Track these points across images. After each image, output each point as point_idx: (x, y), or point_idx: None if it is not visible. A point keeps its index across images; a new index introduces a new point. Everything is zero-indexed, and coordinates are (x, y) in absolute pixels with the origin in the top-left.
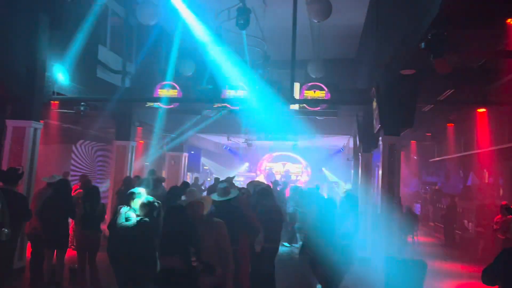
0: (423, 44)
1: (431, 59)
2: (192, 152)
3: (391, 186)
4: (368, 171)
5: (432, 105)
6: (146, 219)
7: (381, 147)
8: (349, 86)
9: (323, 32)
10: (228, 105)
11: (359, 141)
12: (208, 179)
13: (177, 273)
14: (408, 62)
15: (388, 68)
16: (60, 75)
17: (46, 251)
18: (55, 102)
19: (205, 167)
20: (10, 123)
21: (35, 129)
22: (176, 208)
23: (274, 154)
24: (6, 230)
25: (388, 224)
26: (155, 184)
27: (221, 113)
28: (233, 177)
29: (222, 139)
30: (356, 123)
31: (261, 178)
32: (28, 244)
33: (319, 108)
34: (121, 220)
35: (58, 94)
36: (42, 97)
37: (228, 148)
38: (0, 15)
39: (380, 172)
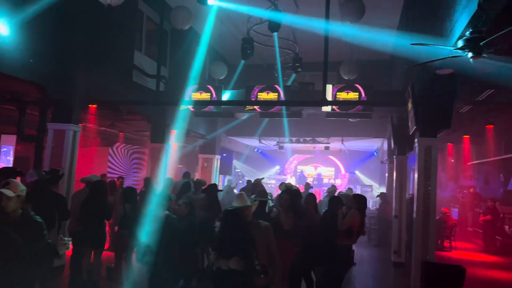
0: (460, 42)
1: (469, 58)
2: (224, 154)
3: (427, 190)
4: (403, 174)
5: (471, 106)
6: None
7: (416, 149)
8: (383, 87)
9: (357, 33)
10: (256, 108)
11: (394, 143)
12: (240, 181)
13: (234, 274)
14: (445, 61)
15: (424, 68)
16: None
17: (85, 250)
18: (93, 105)
19: (237, 170)
20: (51, 126)
21: (74, 132)
22: (232, 212)
23: (305, 156)
24: (66, 239)
25: (424, 228)
26: (196, 188)
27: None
28: (262, 178)
29: (253, 142)
30: (390, 125)
31: (292, 181)
32: None
33: (352, 110)
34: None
35: (96, 97)
36: (81, 101)
37: (260, 150)
38: (43, 21)
39: (416, 175)
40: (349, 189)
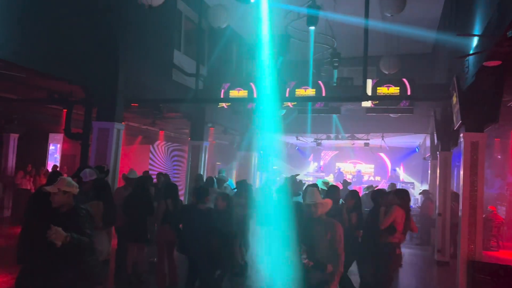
0: (510, 32)
1: None
2: (262, 151)
3: (473, 187)
4: (447, 171)
5: None
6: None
7: (462, 145)
8: (425, 81)
9: (398, 26)
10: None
11: (437, 139)
12: (278, 178)
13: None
14: (493, 53)
15: (469, 60)
16: None
17: (129, 244)
18: (135, 104)
19: (274, 167)
20: (96, 125)
21: (118, 130)
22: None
23: (343, 153)
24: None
25: (470, 227)
26: (218, 184)
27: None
28: (297, 175)
29: (291, 139)
30: (433, 120)
31: (330, 178)
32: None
33: (393, 105)
34: None
35: (138, 96)
36: (124, 100)
37: (297, 147)
38: (79, 22)
39: (461, 172)
40: (392, 184)
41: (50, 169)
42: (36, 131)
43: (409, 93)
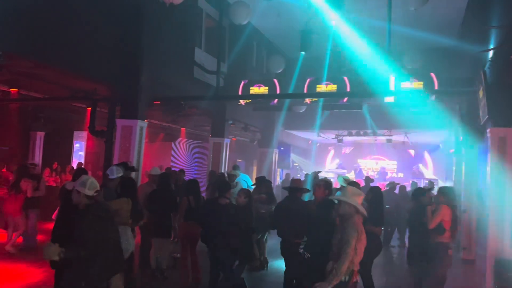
0: None
1: None
2: (282, 148)
3: (501, 183)
4: (472, 167)
5: None
6: None
7: (488, 140)
8: (450, 75)
9: (420, 19)
10: (307, 100)
11: (462, 134)
12: (298, 175)
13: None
14: None
15: (497, 53)
16: None
17: (153, 240)
18: (157, 102)
19: (294, 164)
20: (119, 123)
21: (141, 128)
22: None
23: (366, 153)
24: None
25: (498, 224)
26: (229, 180)
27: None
28: (319, 172)
29: (311, 135)
30: (458, 115)
31: (351, 175)
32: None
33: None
34: None
35: (159, 94)
36: (147, 98)
37: (318, 144)
38: (103, 21)
39: (488, 168)
40: (413, 182)
41: (75, 166)
42: (61, 129)
43: (436, 87)
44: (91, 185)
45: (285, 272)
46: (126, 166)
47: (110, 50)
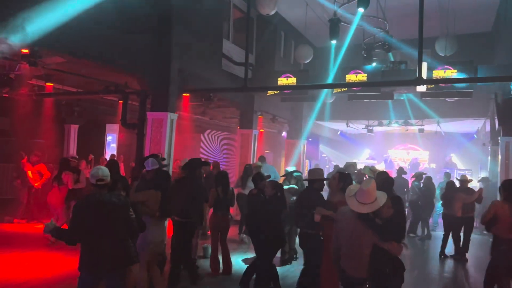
0: None
1: None
2: (310, 139)
3: None
4: (509, 157)
5: None
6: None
7: None
8: (486, 62)
9: (454, 4)
10: (332, 90)
11: (498, 123)
12: (327, 166)
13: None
14: None
15: None
16: None
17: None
18: (187, 94)
19: (323, 155)
20: (150, 115)
21: (172, 120)
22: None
23: (396, 143)
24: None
25: None
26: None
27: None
28: (355, 163)
29: (341, 126)
30: (494, 103)
31: (380, 166)
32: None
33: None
34: None
35: (189, 86)
36: (176, 91)
37: (347, 134)
38: (132, 15)
39: None
40: (447, 173)
41: (107, 158)
42: (94, 122)
43: (470, 75)
44: (94, 176)
45: (304, 263)
46: (156, 158)
47: (141, 43)
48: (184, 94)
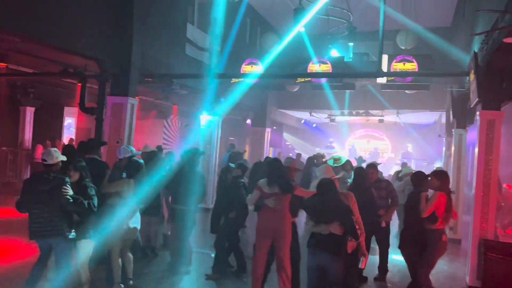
0: None
1: None
2: (275, 127)
3: (487, 166)
4: (461, 148)
5: None
6: None
7: (478, 122)
8: (443, 56)
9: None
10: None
11: (453, 116)
12: (290, 154)
13: (333, 237)
14: None
15: (488, 36)
16: None
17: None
18: (149, 79)
19: (287, 143)
20: (110, 100)
21: (132, 105)
22: (329, 183)
23: (358, 130)
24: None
25: (483, 205)
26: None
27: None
28: (323, 154)
29: (304, 115)
30: (450, 96)
31: (344, 154)
32: None
33: (409, 81)
34: None
35: (151, 71)
36: (138, 75)
37: (314, 125)
38: None
39: (476, 150)
40: (404, 163)
41: (66, 142)
42: (52, 105)
43: (418, 69)
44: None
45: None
46: (94, 141)
47: (101, 25)
48: (146, 79)
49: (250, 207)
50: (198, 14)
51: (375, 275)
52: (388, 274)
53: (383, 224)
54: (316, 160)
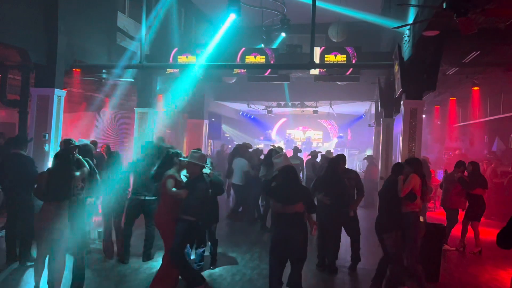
0: (445, 3)
1: (454, 19)
2: (213, 119)
3: (411, 152)
4: (389, 136)
5: (457, 68)
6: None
7: (402, 111)
8: (372, 49)
9: None
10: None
11: (381, 106)
12: (229, 146)
13: (297, 216)
14: (431, 23)
15: (410, 30)
16: None
17: None
18: (77, 70)
19: (226, 134)
20: (34, 91)
21: (59, 97)
22: (291, 169)
23: (295, 121)
24: None
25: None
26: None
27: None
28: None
29: (242, 106)
30: (378, 87)
31: (280, 144)
32: None
33: (340, 73)
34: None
35: (80, 61)
36: (64, 65)
37: (253, 116)
38: None
39: (401, 137)
40: (328, 151)
41: None
42: None
43: (348, 61)
44: None
45: None
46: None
47: (23, 12)
48: (74, 70)
49: None
50: (130, 3)
51: (348, 265)
52: (360, 263)
53: (351, 214)
54: (240, 150)
